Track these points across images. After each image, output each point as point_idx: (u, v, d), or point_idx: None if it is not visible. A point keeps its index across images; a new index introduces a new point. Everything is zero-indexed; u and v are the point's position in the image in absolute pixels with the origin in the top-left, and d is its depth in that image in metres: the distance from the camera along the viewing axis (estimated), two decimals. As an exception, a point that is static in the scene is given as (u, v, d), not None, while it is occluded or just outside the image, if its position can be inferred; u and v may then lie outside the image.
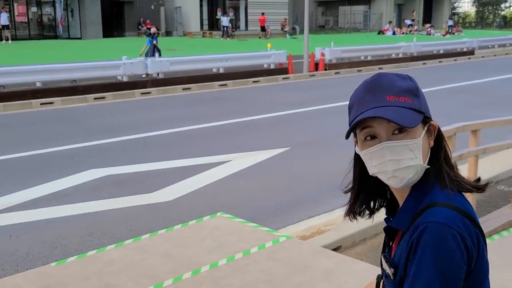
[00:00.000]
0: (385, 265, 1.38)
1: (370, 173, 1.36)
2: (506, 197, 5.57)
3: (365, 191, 1.46)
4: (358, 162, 1.42)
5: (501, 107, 10.87)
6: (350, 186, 1.49)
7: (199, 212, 5.19)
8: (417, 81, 1.39)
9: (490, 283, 1.34)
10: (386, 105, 1.28)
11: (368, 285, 1.74)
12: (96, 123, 10.46)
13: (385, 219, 1.46)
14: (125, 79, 14.61)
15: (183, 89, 14.93)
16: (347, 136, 1.36)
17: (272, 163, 7.23)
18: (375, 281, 1.61)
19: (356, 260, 3.84)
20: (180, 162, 7.30)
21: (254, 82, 16.55)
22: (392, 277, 1.33)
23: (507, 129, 6.31)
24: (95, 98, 13.19)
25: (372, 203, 1.49)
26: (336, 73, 18.88)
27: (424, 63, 21.76)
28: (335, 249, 4.38)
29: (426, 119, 1.32)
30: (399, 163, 1.28)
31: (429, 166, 1.32)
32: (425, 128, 1.32)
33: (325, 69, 18.87)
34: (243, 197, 5.89)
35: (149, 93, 14.22)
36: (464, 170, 4.43)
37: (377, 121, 1.29)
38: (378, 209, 1.51)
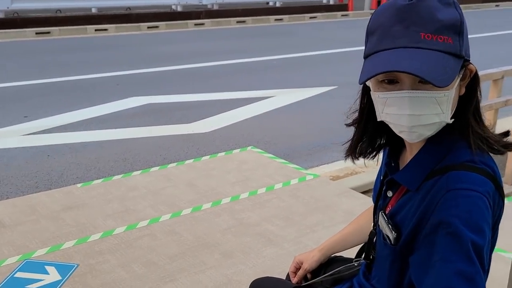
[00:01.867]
0: (383, 225, 1.17)
1: (379, 119, 1.12)
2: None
3: (372, 129, 1.24)
4: (368, 93, 1.18)
5: None
6: (354, 120, 1.27)
7: (233, 146, 5.14)
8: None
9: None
10: (420, 47, 1.00)
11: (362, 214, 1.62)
12: (146, 51, 10.47)
13: (387, 164, 1.25)
14: (179, 9, 14.48)
15: (238, 22, 14.68)
16: (362, 83, 1.08)
17: (316, 101, 7.04)
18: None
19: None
20: (222, 95, 7.23)
21: (311, 18, 16.06)
22: (393, 242, 1.13)
23: None
24: (148, 27, 13.19)
25: (378, 142, 1.27)
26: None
27: (497, 5, 20.42)
28: (365, 192, 4.25)
29: (463, 63, 1.06)
30: (419, 119, 1.04)
31: (451, 121, 1.07)
32: (461, 74, 1.07)
33: (387, 7, 18.05)
34: (281, 133, 5.78)
35: (202, 24, 14.07)
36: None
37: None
38: (382, 148, 1.29)
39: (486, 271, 0.98)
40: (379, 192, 1.28)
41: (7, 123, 5.84)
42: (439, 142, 1.11)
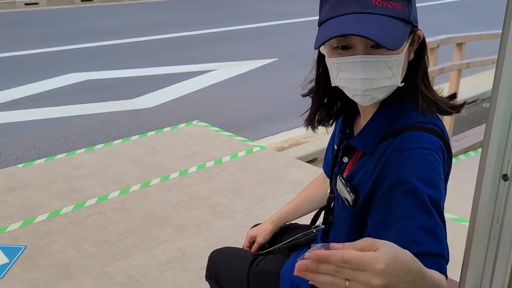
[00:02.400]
0: (342, 189, 1.21)
1: (333, 84, 1.15)
2: (490, 116, 5.49)
3: (329, 97, 1.27)
4: (323, 63, 1.20)
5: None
6: (310, 89, 1.30)
7: (177, 120, 5.10)
8: None
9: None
10: (371, 12, 1.04)
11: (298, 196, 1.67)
12: (82, 26, 10.11)
13: (342, 132, 1.28)
14: (114, -19, 14.00)
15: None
16: (317, 47, 1.10)
17: (258, 74, 7.07)
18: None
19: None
20: (163, 69, 7.12)
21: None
22: (351, 204, 1.18)
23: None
24: (82, 0, 12.71)
25: (335, 109, 1.30)
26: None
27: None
28: (310, 161, 4.35)
29: (412, 29, 1.11)
30: (371, 82, 1.07)
31: (401, 85, 1.11)
32: (409, 40, 1.11)
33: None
34: (225, 107, 5.79)
35: (140, -4, 13.69)
36: (446, 87, 4.32)
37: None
38: (337, 116, 1.32)
39: (444, 223, 1.05)
40: (334, 159, 1.33)
41: None
42: (391, 106, 1.15)
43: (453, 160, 4.17)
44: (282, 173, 3.60)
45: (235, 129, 4.91)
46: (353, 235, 1.21)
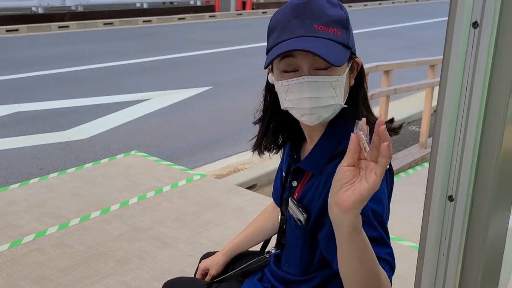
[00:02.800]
0: (294, 210, 1.28)
1: (282, 107, 1.23)
2: (416, 137, 5.80)
3: (275, 124, 1.35)
4: (270, 92, 1.31)
5: (423, 52, 11.18)
6: (259, 118, 1.38)
7: (114, 151, 5.04)
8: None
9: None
10: (315, 36, 1.14)
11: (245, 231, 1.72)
12: (8, 56, 9.80)
13: (290, 157, 1.37)
14: (40, 11, 13.74)
15: (105, 23, 14.25)
16: (267, 66, 1.21)
17: (193, 102, 7.11)
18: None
19: (270, 198, 3.88)
20: (96, 99, 7.02)
21: (179, 19, 16.06)
22: (304, 223, 1.24)
23: (423, 73, 6.49)
24: (7, 30, 12.34)
25: (280, 137, 1.39)
26: (263, 12, 18.63)
27: (349, 6, 21.90)
28: (250, 187, 4.41)
29: (351, 55, 1.21)
30: (318, 101, 1.16)
31: (347, 106, 1.21)
32: (349, 65, 1.21)
33: (253, 8, 18.61)
34: (161, 136, 5.77)
35: (67, 27, 13.47)
36: (376, 111, 4.53)
37: (302, 53, 1.15)
38: (284, 144, 1.41)
39: (388, 236, 1.12)
40: (283, 185, 1.39)
41: None
42: (336, 128, 1.24)
43: (419, 167, 4.31)
44: (224, 200, 3.64)
45: (173, 158, 4.91)
46: (306, 254, 1.27)
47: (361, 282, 0.98)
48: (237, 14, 17.78)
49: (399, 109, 6.68)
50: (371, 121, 1.24)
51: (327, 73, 1.16)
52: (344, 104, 1.21)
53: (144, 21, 15.09)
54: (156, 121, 6.28)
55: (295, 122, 1.30)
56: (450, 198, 0.75)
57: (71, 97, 7.05)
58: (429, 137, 5.05)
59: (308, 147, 1.32)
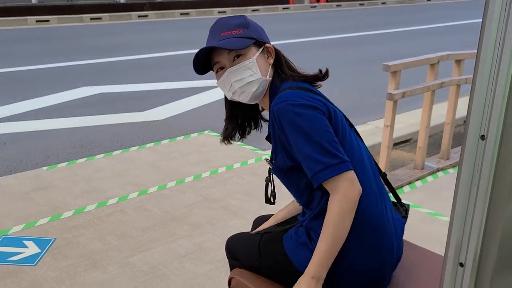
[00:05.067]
0: (268, 164, 1.69)
1: (229, 98, 1.63)
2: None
3: (235, 117, 1.73)
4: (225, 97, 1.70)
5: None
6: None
7: (188, 131, 5.34)
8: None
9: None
10: (222, 39, 1.55)
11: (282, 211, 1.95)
12: (91, 42, 10.43)
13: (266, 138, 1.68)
14: (122, 0, 14.39)
15: (181, 14, 14.76)
16: (201, 73, 1.62)
17: (264, 90, 7.33)
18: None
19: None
20: (172, 84, 7.39)
21: (253, 10, 16.34)
22: (271, 166, 1.65)
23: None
24: (91, 19, 13.07)
25: (242, 128, 1.75)
26: (337, 5, 18.60)
27: (428, 0, 21.41)
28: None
29: (260, 43, 1.59)
30: (242, 81, 1.56)
31: (269, 78, 1.60)
32: (260, 50, 1.59)
33: (327, 1, 18.60)
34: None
35: (146, 16, 14.07)
36: (445, 103, 4.56)
37: (218, 54, 1.56)
38: (249, 133, 1.79)
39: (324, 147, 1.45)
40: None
41: (-43, 113, 5.79)
42: (275, 92, 1.58)
43: (452, 170, 4.36)
44: (290, 178, 3.82)
45: (242, 141, 5.14)
46: (291, 186, 1.61)
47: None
48: (311, 7, 17.84)
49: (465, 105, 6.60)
50: (299, 75, 1.63)
51: (241, 60, 1.56)
52: (269, 77, 1.60)
53: (218, 12, 15.49)
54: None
55: (257, 112, 1.75)
56: (482, 137, 0.91)
57: (149, 81, 7.45)
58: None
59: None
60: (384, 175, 1.72)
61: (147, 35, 11.52)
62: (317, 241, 1.46)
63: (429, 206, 3.37)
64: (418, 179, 3.99)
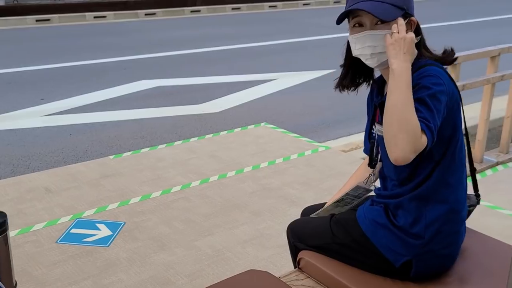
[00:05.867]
0: (379, 128, 1.65)
1: (353, 55, 1.64)
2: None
3: (353, 69, 1.75)
4: (349, 45, 1.70)
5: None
6: (342, 63, 1.78)
7: (243, 124, 5.46)
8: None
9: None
10: (374, 0, 1.53)
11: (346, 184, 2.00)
12: (147, 37, 10.72)
13: (376, 101, 1.74)
14: (175, -4, 14.67)
15: (233, 8, 14.92)
16: (338, 22, 1.62)
17: (317, 83, 7.38)
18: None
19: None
20: (226, 78, 7.54)
21: (304, 4, 16.32)
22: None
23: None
24: (146, 14, 13.40)
25: (357, 79, 1.78)
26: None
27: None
28: (370, 163, 4.60)
29: (406, 15, 1.57)
30: (375, 48, 1.56)
31: None
32: (405, 22, 1.55)
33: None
34: (286, 113, 6.11)
35: (198, 11, 14.31)
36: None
37: (365, 12, 1.54)
38: (361, 84, 1.81)
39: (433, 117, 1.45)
40: (372, 120, 1.78)
41: (26, 105, 6.11)
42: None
43: (501, 167, 4.30)
44: (347, 170, 3.87)
45: (297, 133, 5.22)
46: None
47: (400, 118, 1.38)
48: (334, 2, 17.64)
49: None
50: (432, 57, 1.63)
51: (384, 27, 1.54)
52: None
53: (269, 6, 15.56)
54: (281, 99, 6.63)
55: (372, 71, 1.75)
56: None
57: (204, 75, 7.63)
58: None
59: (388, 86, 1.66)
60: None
61: (201, 30, 11.74)
62: (399, 222, 1.59)
63: (489, 199, 3.36)
64: (477, 173, 3.96)
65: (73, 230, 2.99)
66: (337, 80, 1.80)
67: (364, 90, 1.89)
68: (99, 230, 3.00)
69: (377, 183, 1.83)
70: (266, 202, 3.37)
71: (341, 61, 1.76)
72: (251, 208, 3.30)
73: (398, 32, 1.50)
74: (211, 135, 4.60)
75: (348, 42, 1.70)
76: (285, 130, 4.73)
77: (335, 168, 3.92)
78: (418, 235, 1.58)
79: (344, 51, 1.74)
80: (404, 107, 1.39)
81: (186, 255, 2.77)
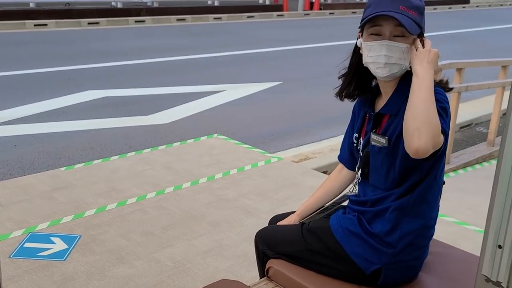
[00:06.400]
0: (377, 138, 1.69)
1: (364, 61, 1.67)
2: (483, 138, 5.93)
3: (357, 79, 1.79)
4: (356, 54, 1.76)
5: (491, 57, 11.12)
6: (344, 73, 1.82)
7: (194, 135, 5.47)
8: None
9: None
10: (399, 12, 1.57)
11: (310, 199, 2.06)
12: (91, 47, 10.53)
13: (368, 111, 1.79)
14: (119, 5, 14.51)
15: (178, 19, 14.90)
16: (362, 23, 1.64)
17: (265, 95, 7.49)
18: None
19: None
20: (175, 89, 7.52)
21: (248, 17, 16.52)
22: (387, 143, 1.66)
23: (493, 77, 6.58)
24: (89, 23, 13.16)
25: (358, 90, 1.82)
26: (330, 13, 18.85)
27: (434, 8, 21.77)
28: (323, 173, 4.72)
29: (421, 35, 1.64)
30: (390, 59, 1.61)
31: (409, 68, 1.63)
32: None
33: (320, 9, 18.83)
34: (236, 124, 6.17)
35: (143, 21, 14.19)
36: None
37: (387, 22, 1.59)
38: (357, 96, 1.85)
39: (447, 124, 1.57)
40: (359, 130, 1.83)
41: (-34, 115, 5.88)
42: (406, 83, 1.62)
43: (453, 174, 4.55)
44: (300, 180, 3.97)
45: (248, 144, 5.28)
46: (390, 169, 1.67)
47: (425, 112, 1.46)
48: (305, 14, 18.07)
49: (466, 111, 6.82)
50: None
51: (401, 41, 1.60)
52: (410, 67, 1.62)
53: (214, 18, 15.65)
54: (230, 111, 6.69)
55: (369, 83, 1.79)
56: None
57: (151, 86, 7.58)
58: (497, 136, 5.20)
59: (384, 99, 1.75)
60: None
61: (146, 40, 11.65)
62: (374, 230, 1.68)
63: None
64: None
65: (27, 244, 2.91)
66: (339, 88, 1.84)
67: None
68: (54, 243, 2.93)
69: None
70: (223, 213, 3.40)
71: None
72: (208, 219, 3.31)
73: (423, 47, 1.58)
74: (164, 146, 4.59)
75: (353, 51, 1.77)
76: (237, 141, 4.78)
77: (288, 178, 4.00)
78: (391, 244, 1.67)
79: (350, 59, 1.79)
80: (428, 103, 1.47)
81: (146, 268, 2.75)
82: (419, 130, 1.45)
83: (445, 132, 1.52)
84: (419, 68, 1.53)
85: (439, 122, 1.48)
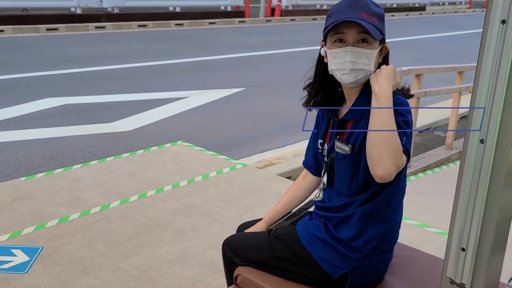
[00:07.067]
0: (341, 146, 1.71)
1: (329, 69, 1.69)
2: (442, 141, 6.09)
3: (323, 88, 1.81)
4: (321, 64, 1.78)
5: (448, 62, 11.43)
6: (309, 83, 1.84)
7: (157, 142, 5.43)
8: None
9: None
10: (360, 19, 1.60)
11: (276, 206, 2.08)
12: (50, 53, 10.32)
13: (332, 118, 1.82)
14: (78, 11, 14.28)
15: (139, 25, 14.76)
16: (326, 31, 1.66)
17: (228, 101, 7.49)
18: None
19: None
20: (137, 95, 7.45)
21: (210, 23, 16.50)
22: (350, 151, 1.68)
23: (450, 81, 6.77)
24: (47, 29, 12.90)
25: (324, 98, 1.84)
26: (291, 20, 19.02)
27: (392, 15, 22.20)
28: (287, 178, 4.75)
29: (382, 41, 1.69)
30: (355, 65, 1.64)
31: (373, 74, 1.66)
32: (380, 47, 1.69)
33: (281, 15, 18.99)
34: (200, 131, 6.15)
35: (103, 27, 14.00)
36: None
37: (349, 29, 1.62)
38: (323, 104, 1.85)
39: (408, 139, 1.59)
40: (325, 139, 1.85)
41: None
42: (368, 89, 1.65)
43: (413, 177, 4.65)
44: (265, 186, 3.99)
45: (212, 151, 5.27)
46: (354, 177, 1.69)
47: (385, 138, 1.48)
48: (266, 21, 18.17)
49: (425, 116, 6.99)
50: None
51: (365, 47, 1.63)
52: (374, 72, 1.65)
53: (176, 24, 15.57)
54: (194, 117, 6.66)
55: (334, 91, 1.81)
56: (482, 141, 1.11)
57: (113, 93, 7.48)
58: (454, 140, 5.35)
59: (348, 105, 1.78)
60: None
61: (106, 47, 11.50)
62: (341, 235, 1.71)
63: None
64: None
65: (-14, 258, 2.83)
66: (306, 98, 1.85)
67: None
68: (15, 256, 2.86)
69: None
70: (189, 221, 3.38)
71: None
72: (174, 227, 3.29)
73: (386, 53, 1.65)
74: (127, 154, 4.54)
75: (317, 61, 1.79)
76: (202, 148, 4.77)
77: (253, 184, 4.01)
78: (357, 249, 1.69)
79: (315, 69, 1.81)
80: (388, 128, 1.49)
81: (111, 278, 2.71)
82: (381, 157, 1.47)
83: (407, 151, 1.55)
84: (376, 87, 1.56)
85: (400, 145, 1.50)
